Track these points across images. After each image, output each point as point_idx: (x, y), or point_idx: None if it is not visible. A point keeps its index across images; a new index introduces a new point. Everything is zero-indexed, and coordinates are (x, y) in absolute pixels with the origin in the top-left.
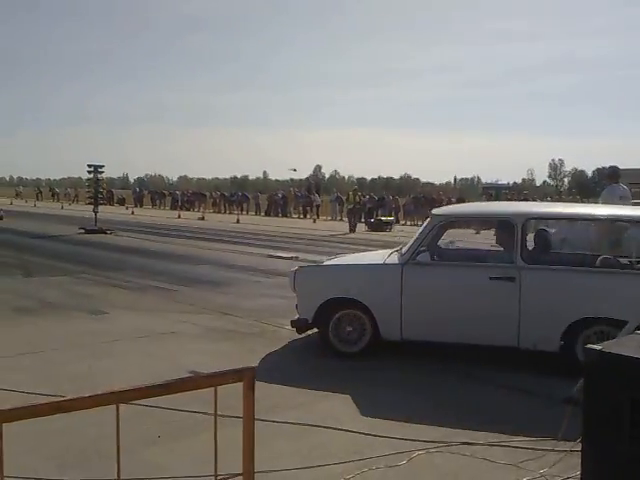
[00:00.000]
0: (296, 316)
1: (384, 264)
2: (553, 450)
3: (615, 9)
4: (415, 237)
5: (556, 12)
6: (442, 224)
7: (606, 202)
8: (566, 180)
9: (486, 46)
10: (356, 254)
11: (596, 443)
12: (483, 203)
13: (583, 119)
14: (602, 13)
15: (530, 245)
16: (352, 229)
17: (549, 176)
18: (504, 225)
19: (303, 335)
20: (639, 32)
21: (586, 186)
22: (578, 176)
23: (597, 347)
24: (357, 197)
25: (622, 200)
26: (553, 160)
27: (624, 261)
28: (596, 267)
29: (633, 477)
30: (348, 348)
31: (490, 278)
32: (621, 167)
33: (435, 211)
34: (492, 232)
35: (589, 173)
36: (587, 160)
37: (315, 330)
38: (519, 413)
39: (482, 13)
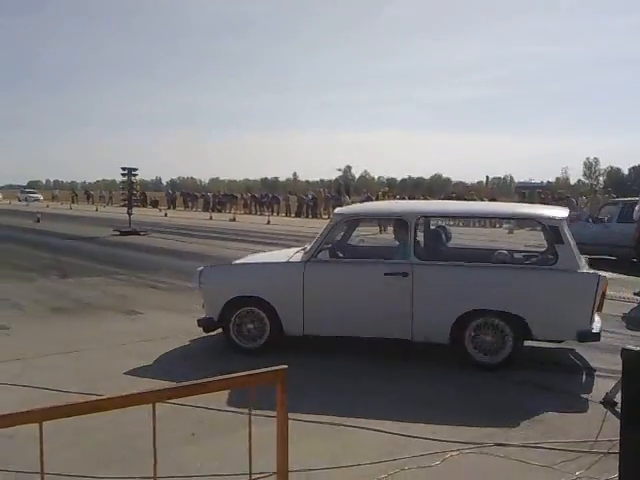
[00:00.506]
0: (203, 315)
1: (287, 262)
2: (590, 452)
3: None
4: (317, 236)
5: (585, 10)
6: (342, 222)
7: None
8: (601, 179)
9: (517, 46)
10: (265, 253)
11: (634, 445)
12: (384, 202)
13: (617, 116)
14: (630, 12)
15: (426, 242)
16: (382, 229)
17: (584, 175)
18: (399, 223)
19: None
20: None
21: (622, 184)
22: (614, 174)
23: (635, 348)
24: (387, 197)
25: None
26: (588, 159)
27: (519, 256)
28: (485, 262)
29: None
30: (249, 344)
31: (385, 274)
32: None
33: (337, 210)
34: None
35: (625, 171)
36: (622, 158)
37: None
38: (552, 413)
39: (515, 12)
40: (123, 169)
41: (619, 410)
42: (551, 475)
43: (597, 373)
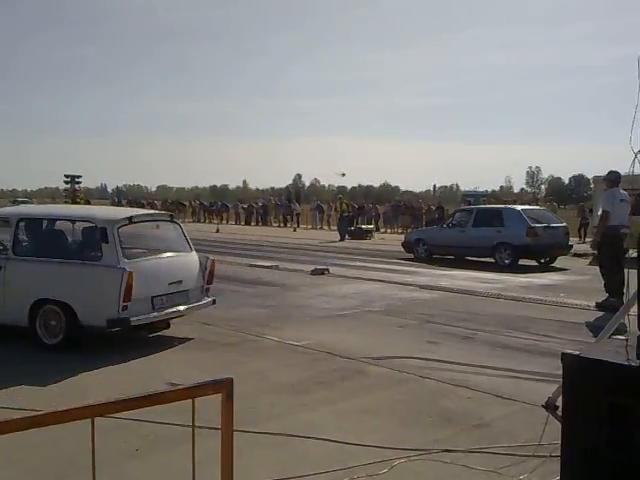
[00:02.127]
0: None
1: None
2: (533, 456)
3: (590, 19)
4: None
5: (533, 21)
6: None
7: (607, 205)
8: (543, 187)
9: (465, 55)
10: None
11: (575, 448)
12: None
13: (559, 127)
14: (577, 21)
15: (24, 239)
16: (342, 237)
17: (526, 183)
18: (5, 223)
19: (285, 346)
20: (615, 41)
21: (562, 192)
22: (555, 183)
23: (575, 352)
24: (344, 205)
25: (623, 203)
26: (530, 168)
27: (79, 251)
28: (51, 257)
29: None
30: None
31: None
32: (594, 174)
33: None
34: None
35: (566, 180)
36: (563, 167)
37: (295, 342)
38: (498, 418)
39: (464, 22)
40: (66, 176)
41: (560, 413)
42: None
43: (539, 377)
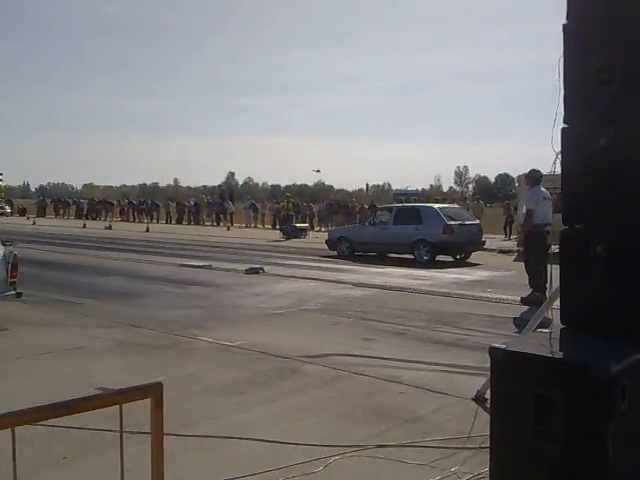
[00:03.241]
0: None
1: None
2: (464, 448)
3: (509, 22)
4: None
5: (457, 24)
6: None
7: (531, 204)
8: (470, 186)
9: (396, 55)
10: None
11: (503, 439)
12: None
13: (486, 127)
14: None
15: None
16: (289, 236)
17: (455, 182)
18: None
19: (220, 346)
20: (539, 43)
21: (489, 191)
22: (481, 182)
23: (501, 346)
24: (290, 204)
25: (546, 201)
26: (458, 167)
27: None
28: None
29: (538, 471)
30: None
31: None
32: (518, 173)
33: None
34: None
35: (492, 179)
36: (489, 166)
37: (229, 342)
38: (430, 412)
39: (392, 24)
40: None
41: (489, 406)
42: (429, 473)
43: (470, 371)
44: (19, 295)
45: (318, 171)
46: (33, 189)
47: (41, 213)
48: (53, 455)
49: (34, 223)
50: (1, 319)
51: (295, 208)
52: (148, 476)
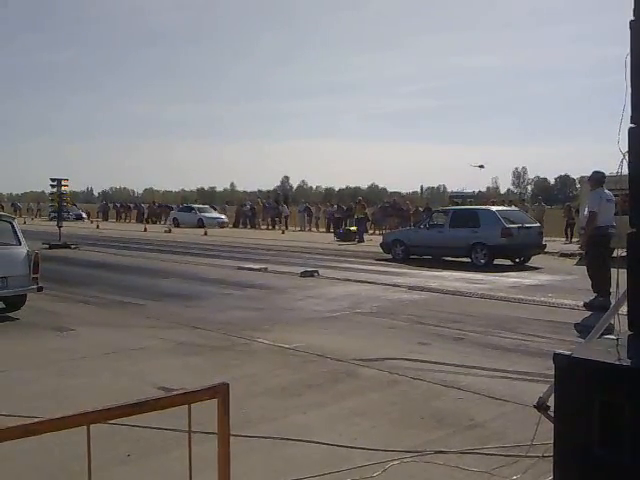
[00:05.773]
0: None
1: None
2: (526, 456)
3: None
4: None
5: (517, 24)
6: None
7: (594, 206)
8: (529, 187)
9: (451, 57)
10: None
11: (567, 447)
12: None
13: (546, 127)
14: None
15: None
16: (361, 239)
17: (513, 184)
18: None
19: (276, 348)
20: (599, 43)
21: (549, 192)
22: (540, 183)
23: (567, 352)
24: (360, 206)
25: (609, 203)
26: (516, 169)
27: None
28: None
29: None
30: None
31: None
32: (580, 174)
33: None
34: None
35: (552, 180)
36: (549, 168)
37: (285, 344)
38: (490, 419)
39: (449, 28)
40: (52, 180)
41: (552, 413)
42: None
43: (530, 378)
44: (40, 289)
45: (481, 166)
46: (96, 194)
47: (104, 217)
48: (118, 452)
49: (97, 227)
50: (67, 319)
51: (365, 212)
52: (211, 475)
